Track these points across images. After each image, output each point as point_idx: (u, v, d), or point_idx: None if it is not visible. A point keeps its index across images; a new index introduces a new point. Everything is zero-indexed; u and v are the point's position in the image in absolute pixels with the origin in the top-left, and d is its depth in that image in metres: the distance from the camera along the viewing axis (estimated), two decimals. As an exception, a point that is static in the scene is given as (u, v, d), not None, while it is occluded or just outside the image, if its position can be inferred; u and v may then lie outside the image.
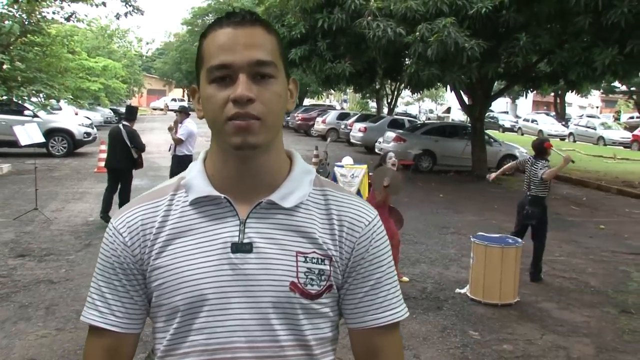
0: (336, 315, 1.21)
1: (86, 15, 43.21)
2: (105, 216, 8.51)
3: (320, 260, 1.14)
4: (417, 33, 11.99)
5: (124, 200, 8.52)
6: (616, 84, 39.43)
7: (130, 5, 15.68)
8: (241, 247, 1.12)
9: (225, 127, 1.07)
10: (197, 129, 9.46)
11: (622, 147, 29.39)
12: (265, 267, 1.11)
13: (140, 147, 8.64)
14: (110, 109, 32.19)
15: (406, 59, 14.51)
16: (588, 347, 4.97)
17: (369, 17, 12.58)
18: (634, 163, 21.38)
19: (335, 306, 1.20)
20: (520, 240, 6.22)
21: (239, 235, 1.12)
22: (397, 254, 6.71)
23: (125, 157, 8.59)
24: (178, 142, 9.22)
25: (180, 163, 9.00)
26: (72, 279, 6.03)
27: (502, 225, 9.53)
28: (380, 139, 18.46)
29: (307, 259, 1.13)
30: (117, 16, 16.50)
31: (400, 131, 18.68)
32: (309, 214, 1.16)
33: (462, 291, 6.15)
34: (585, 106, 65.92)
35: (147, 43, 76.03)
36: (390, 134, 17.95)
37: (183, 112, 9.49)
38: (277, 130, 1.15)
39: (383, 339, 1.21)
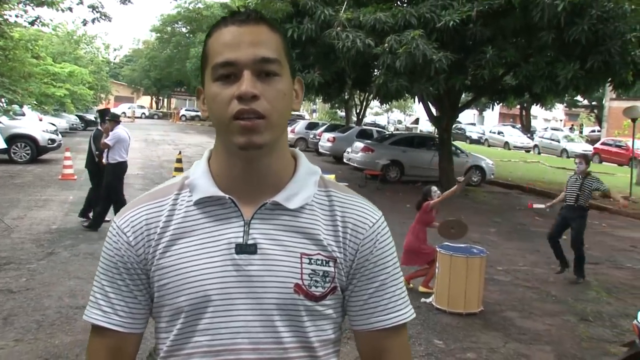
0: (340, 317, 1.21)
1: (51, 20, 42.02)
2: (84, 215, 9.12)
3: (324, 262, 1.14)
4: (386, 44, 12.10)
5: (90, 200, 9.08)
6: (579, 98, 40.58)
7: (97, 12, 15.46)
8: (245, 248, 1.11)
9: (230, 126, 1.07)
10: (128, 136, 9.10)
11: (584, 160, 30.07)
12: (269, 268, 1.11)
13: (98, 149, 9.10)
14: (77, 115, 31.57)
15: (375, 70, 14.63)
16: (549, 354, 5.08)
17: (339, 28, 12.65)
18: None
19: (339, 308, 1.19)
20: (485, 250, 6.31)
21: (243, 236, 1.12)
22: (434, 267, 6.43)
23: (90, 158, 9.28)
24: (104, 146, 8.92)
25: (113, 170, 8.83)
26: (32, 288, 5.88)
27: (468, 235, 9.65)
28: (349, 149, 18.55)
29: (312, 261, 1.13)
30: (84, 22, 16.23)
31: (369, 141, 18.81)
32: (314, 215, 1.16)
33: (428, 301, 6.21)
34: (549, 119, 67.48)
35: (115, 49, 74.98)
36: (359, 144, 18.05)
37: (113, 120, 9.20)
38: (282, 130, 1.15)
39: (389, 341, 1.20)
